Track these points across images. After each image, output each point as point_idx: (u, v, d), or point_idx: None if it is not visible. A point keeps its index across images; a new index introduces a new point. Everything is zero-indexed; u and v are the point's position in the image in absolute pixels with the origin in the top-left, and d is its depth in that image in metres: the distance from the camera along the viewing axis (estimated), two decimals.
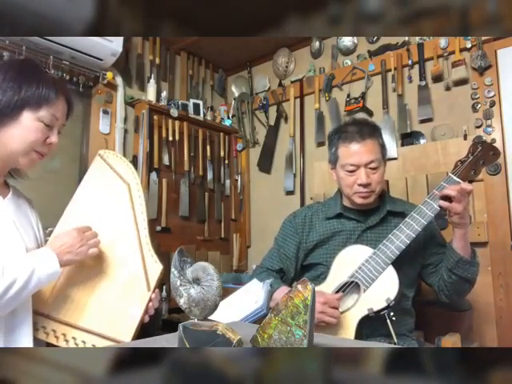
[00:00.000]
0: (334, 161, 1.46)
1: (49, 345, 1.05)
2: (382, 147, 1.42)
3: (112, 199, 1.15)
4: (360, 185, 1.36)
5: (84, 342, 1.03)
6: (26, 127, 0.99)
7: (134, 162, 2.36)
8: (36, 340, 1.04)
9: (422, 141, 2.15)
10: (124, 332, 1.03)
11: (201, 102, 2.74)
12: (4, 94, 0.97)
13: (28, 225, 1.10)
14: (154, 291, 1.07)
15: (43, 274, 0.95)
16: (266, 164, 2.82)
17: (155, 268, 1.08)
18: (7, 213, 1.04)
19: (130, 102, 2.42)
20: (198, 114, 2.68)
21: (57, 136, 1.05)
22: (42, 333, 1.04)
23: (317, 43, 2.63)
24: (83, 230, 1.05)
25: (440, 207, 1.26)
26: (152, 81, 2.49)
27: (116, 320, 1.04)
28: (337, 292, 1.30)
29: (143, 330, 1.05)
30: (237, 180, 2.93)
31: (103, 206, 1.14)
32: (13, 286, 0.90)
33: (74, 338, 1.04)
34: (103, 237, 1.09)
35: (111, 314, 1.05)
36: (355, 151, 1.37)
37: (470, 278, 1.32)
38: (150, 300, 1.06)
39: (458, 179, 1.25)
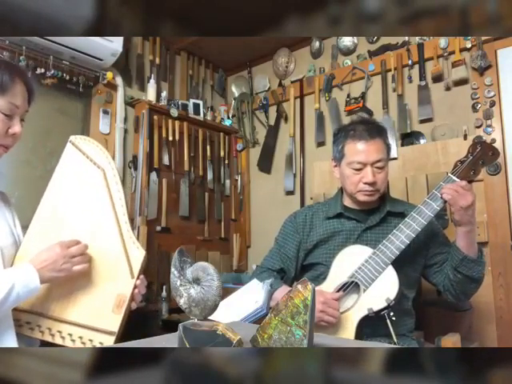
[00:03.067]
0: (339, 158, 1.45)
1: (44, 343, 1.04)
2: (388, 147, 1.43)
3: (87, 187, 1.11)
4: (366, 183, 1.36)
5: (81, 338, 1.03)
6: None
7: (134, 161, 2.36)
8: (31, 339, 1.03)
9: (422, 141, 2.15)
10: (112, 322, 1.02)
11: (201, 102, 2.74)
12: None
13: (3, 221, 1.07)
14: (138, 277, 1.04)
15: (22, 290, 0.93)
16: (265, 164, 2.82)
17: (137, 254, 1.05)
18: None
19: (130, 102, 2.42)
20: (198, 114, 2.68)
21: (20, 125, 1.01)
22: (38, 332, 1.03)
23: (317, 43, 2.63)
24: (68, 244, 1.00)
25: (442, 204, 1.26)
26: (152, 81, 2.49)
27: (104, 311, 1.03)
28: (337, 292, 1.30)
29: (143, 331, 1.05)
30: (237, 180, 2.93)
31: (78, 195, 1.10)
32: None
33: (70, 334, 1.03)
34: (80, 228, 1.07)
35: (98, 305, 1.04)
36: (363, 149, 1.37)
37: (476, 276, 1.31)
38: (135, 287, 1.04)
39: (457, 179, 1.26)
